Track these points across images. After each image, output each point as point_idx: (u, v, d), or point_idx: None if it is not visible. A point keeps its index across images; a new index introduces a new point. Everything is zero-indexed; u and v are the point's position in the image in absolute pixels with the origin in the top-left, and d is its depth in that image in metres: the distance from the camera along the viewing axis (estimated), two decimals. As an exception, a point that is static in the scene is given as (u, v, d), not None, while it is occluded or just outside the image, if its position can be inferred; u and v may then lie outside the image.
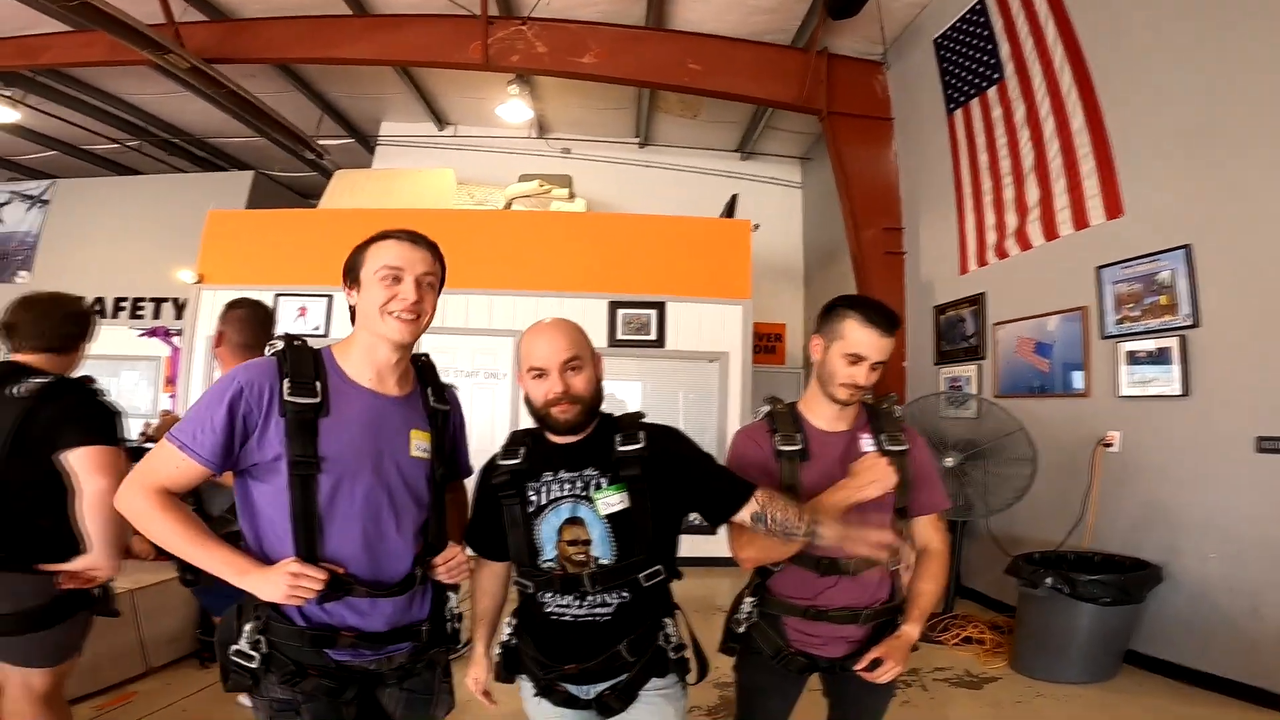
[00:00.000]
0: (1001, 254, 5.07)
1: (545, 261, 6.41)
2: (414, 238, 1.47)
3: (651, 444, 1.52)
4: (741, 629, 1.78)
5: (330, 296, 6.25)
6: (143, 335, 7.86)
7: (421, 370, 1.58)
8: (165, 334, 7.85)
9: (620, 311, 6.32)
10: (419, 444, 1.48)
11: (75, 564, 1.92)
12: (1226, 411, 3.47)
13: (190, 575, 2.32)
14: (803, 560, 1.66)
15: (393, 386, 1.48)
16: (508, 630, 1.64)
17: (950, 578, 4.15)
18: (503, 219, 7.08)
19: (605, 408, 1.61)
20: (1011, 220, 4.98)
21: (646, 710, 1.53)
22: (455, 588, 1.56)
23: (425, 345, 1.62)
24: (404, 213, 6.09)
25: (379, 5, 6.49)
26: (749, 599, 1.77)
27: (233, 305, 2.57)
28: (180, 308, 7.64)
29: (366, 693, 1.45)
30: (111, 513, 1.55)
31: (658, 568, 1.52)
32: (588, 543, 1.50)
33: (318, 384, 1.39)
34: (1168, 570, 3.63)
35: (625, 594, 1.50)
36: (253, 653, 1.36)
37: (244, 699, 1.43)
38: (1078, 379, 4.36)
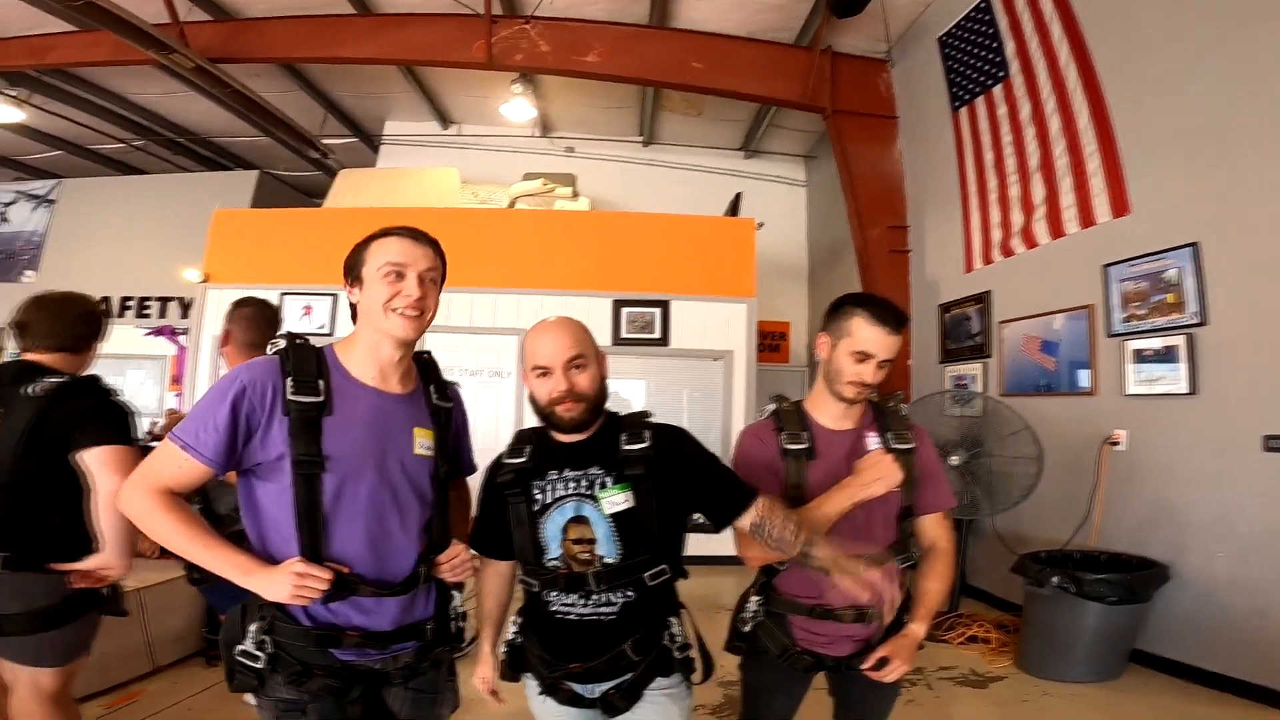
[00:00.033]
0: (1007, 252, 5.05)
1: (549, 260, 6.41)
2: (415, 234, 1.46)
3: (657, 443, 1.52)
4: (747, 628, 1.77)
5: (335, 295, 6.25)
6: (149, 334, 7.88)
7: (423, 367, 1.58)
8: (171, 333, 7.87)
9: (624, 310, 6.32)
10: (422, 442, 1.47)
11: (87, 563, 1.92)
12: (1234, 410, 3.45)
13: (197, 573, 2.32)
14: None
15: (395, 384, 1.48)
16: (513, 629, 1.64)
17: (955, 576, 4.14)
18: (507, 218, 7.08)
19: (609, 406, 1.61)
20: (1017, 218, 4.96)
21: (651, 710, 1.52)
22: (459, 586, 1.56)
23: (430, 344, 1.62)
24: (408, 212, 6.07)
25: (383, 4, 6.50)
26: (754, 598, 1.77)
27: (239, 304, 2.58)
28: (186, 307, 7.67)
29: (372, 692, 1.45)
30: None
31: (663, 567, 1.52)
32: (592, 541, 1.50)
33: (320, 382, 1.38)
34: (1174, 569, 3.62)
35: (630, 593, 1.50)
36: (258, 653, 1.35)
37: (250, 698, 1.43)
38: (1084, 377, 4.34)
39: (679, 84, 6.82)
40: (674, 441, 1.56)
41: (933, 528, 1.77)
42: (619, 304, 6.32)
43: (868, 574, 1.43)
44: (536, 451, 1.56)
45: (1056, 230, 4.58)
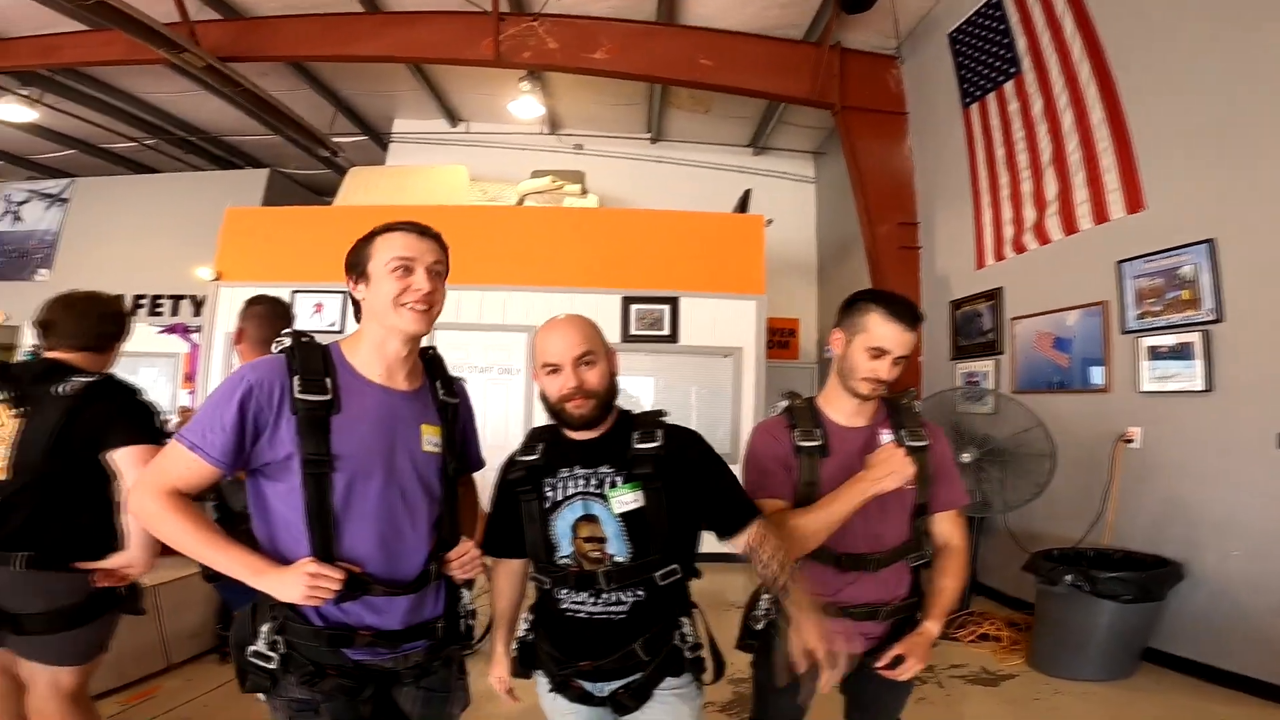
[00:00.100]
0: (1019, 248, 5.02)
1: (558, 257, 6.41)
2: (420, 228, 1.46)
3: (669, 444, 1.51)
4: (759, 626, 1.77)
5: (346, 293, 6.24)
6: (162, 332, 7.94)
7: (429, 363, 1.57)
8: (184, 331, 7.93)
9: (633, 307, 6.32)
10: (430, 438, 1.46)
11: (110, 561, 1.93)
12: (1250, 407, 3.42)
13: (211, 570, 2.34)
14: (822, 556, 1.64)
15: (402, 381, 1.47)
16: (524, 626, 1.65)
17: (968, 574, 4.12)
18: (516, 215, 7.08)
19: (620, 404, 1.61)
20: (1029, 214, 4.92)
21: (661, 709, 1.52)
22: (469, 584, 1.55)
23: (440, 341, 1.62)
24: (417, 209, 6.07)
25: (391, 3, 6.51)
26: (766, 596, 1.76)
27: (252, 302, 2.60)
28: (199, 305, 7.71)
29: (383, 692, 1.45)
30: None
31: (674, 567, 1.51)
32: (603, 540, 1.49)
33: (327, 380, 1.37)
34: (1188, 567, 3.59)
35: (640, 592, 1.50)
36: (271, 654, 1.35)
37: (262, 696, 1.43)
38: (1098, 374, 4.30)
39: (687, 81, 6.79)
40: (686, 446, 1.55)
41: (946, 526, 1.76)
42: (628, 301, 6.32)
43: (824, 631, 1.38)
44: (549, 449, 1.56)
45: (1070, 226, 4.54)
